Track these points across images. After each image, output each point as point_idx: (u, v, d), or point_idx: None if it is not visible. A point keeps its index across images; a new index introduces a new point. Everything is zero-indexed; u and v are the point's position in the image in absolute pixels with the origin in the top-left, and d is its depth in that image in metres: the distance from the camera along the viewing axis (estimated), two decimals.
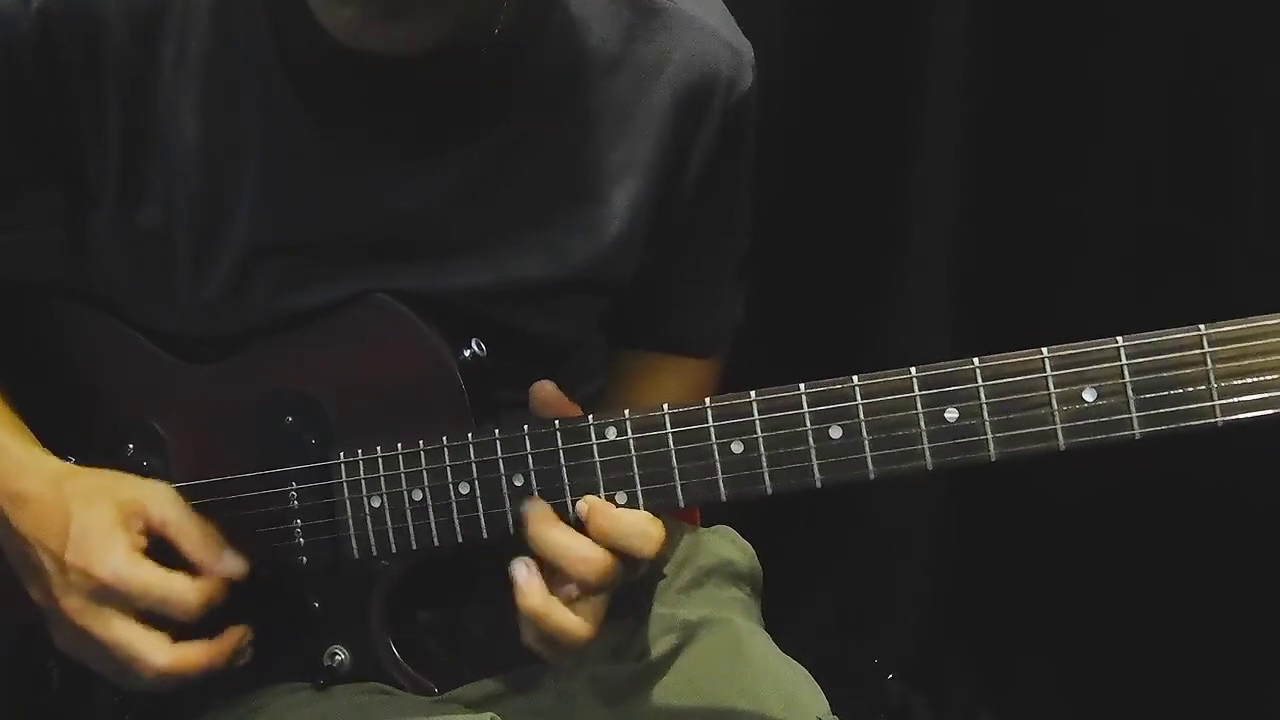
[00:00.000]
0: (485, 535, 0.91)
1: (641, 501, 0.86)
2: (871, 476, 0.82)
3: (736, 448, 0.84)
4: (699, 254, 1.12)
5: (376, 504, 0.93)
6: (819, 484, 0.83)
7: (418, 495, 0.92)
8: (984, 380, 0.79)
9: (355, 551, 0.95)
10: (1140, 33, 1.57)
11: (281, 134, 0.95)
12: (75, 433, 1.00)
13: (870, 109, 1.70)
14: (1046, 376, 0.78)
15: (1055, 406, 0.78)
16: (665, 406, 0.86)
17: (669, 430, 0.85)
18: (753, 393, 0.84)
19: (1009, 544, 1.73)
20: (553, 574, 0.87)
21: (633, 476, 0.86)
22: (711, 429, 0.84)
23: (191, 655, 0.92)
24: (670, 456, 0.85)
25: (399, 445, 0.93)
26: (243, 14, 0.93)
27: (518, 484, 0.89)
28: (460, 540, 0.92)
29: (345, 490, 0.94)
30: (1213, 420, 0.76)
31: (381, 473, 0.93)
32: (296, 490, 0.96)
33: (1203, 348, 0.76)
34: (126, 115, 0.95)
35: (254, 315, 0.99)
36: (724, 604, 1.10)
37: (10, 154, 0.98)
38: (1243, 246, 1.53)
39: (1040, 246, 1.66)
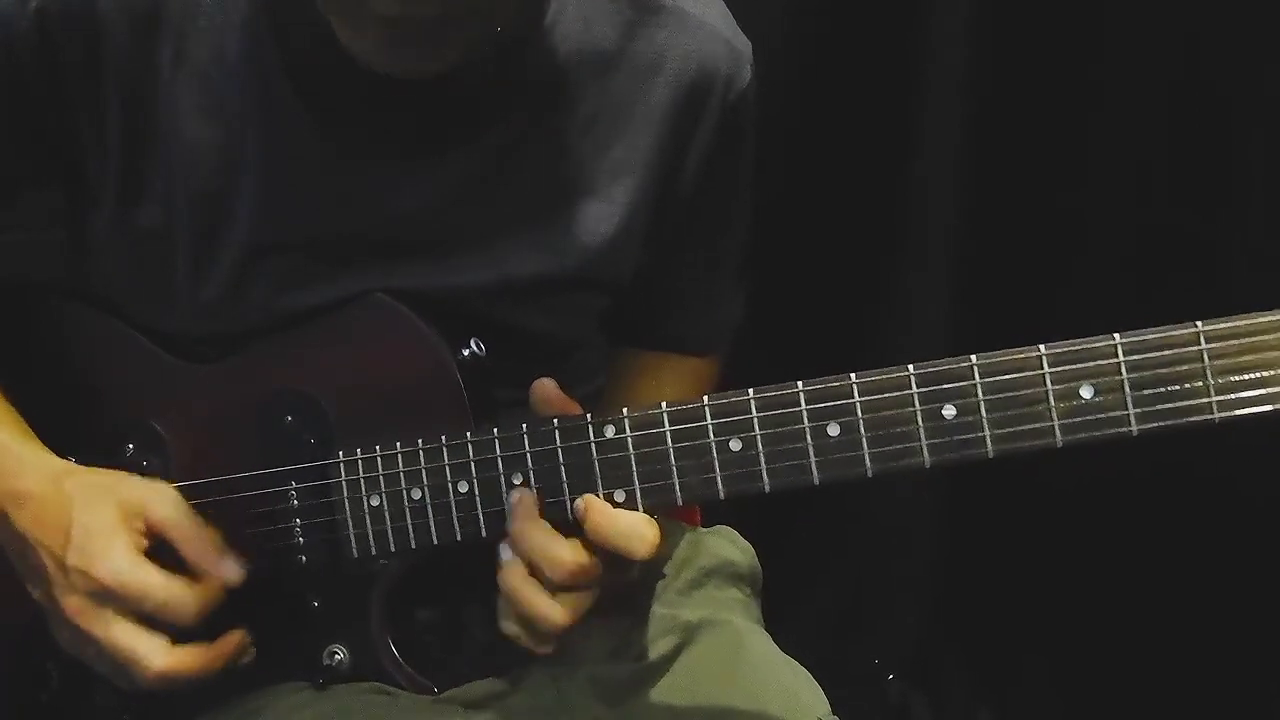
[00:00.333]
0: (484, 534, 0.91)
1: (640, 499, 0.87)
2: (869, 474, 0.82)
3: (735, 446, 0.84)
4: (698, 252, 1.12)
5: (375, 503, 0.94)
6: (817, 482, 0.83)
7: (417, 494, 0.92)
8: (982, 378, 0.79)
9: (354, 551, 0.95)
10: (1140, 33, 1.57)
11: (281, 134, 0.95)
12: (75, 432, 1.00)
13: (870, 109, 1.70)
14: (1044, 374, 0.78)
15: (1053, 404, 0.78)
16: (663, 405, 0.86)
17: (667, 428, 0.85)
18: (751, 391, 0.84)
19: (1008, 543, 1.74)
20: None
21: (631, 475, 0.86)
22: (709, 427, 0.85)
23: (189, 658, 0.92)
24: (668, 455, 0.85)
25: (398, 444, 0.93)
26: (243, 14, 0.93)
27: (517, 483, 0.89)
28: (459, 539, 0.92)
29: (344, 489, 0.94)
30: (1210, 417, 0.76)
31: (380, 472, 0.93)
32: (296, 489, 0.96)
33: (1200, 345, 0.76)
34: (126, 115, 0.95)
35: (254, 315, 0.99)
36: (724, 604, 1.10)
37: (10, 154, 0.98)
38: (1243, 246, 1.53)
39: (1040, 246, 1.66)
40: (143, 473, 0.98)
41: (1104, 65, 1.61)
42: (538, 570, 0.87)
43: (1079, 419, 0.78)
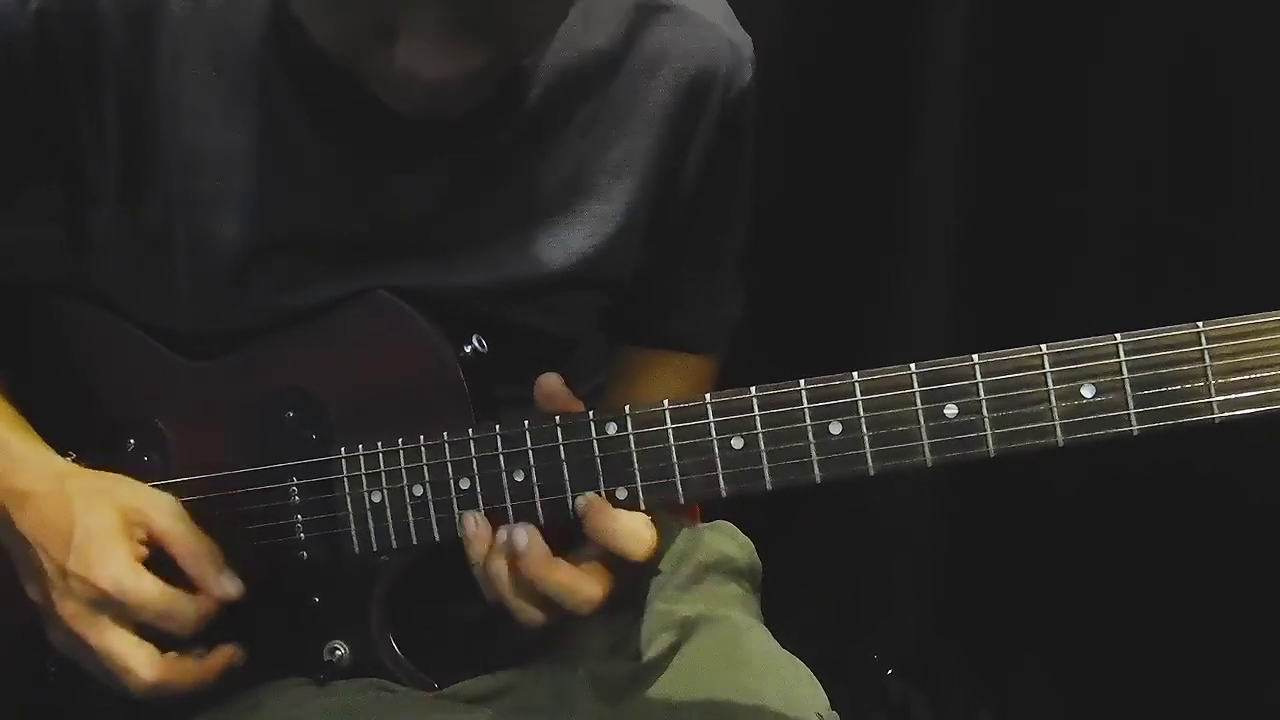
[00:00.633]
0: None
1: (642, 497, 0.87)
2: (871, 472, 0.82)
3: (737, 444, 0.84)
4: (698, 250, 1.12)
5: (377, 499, 0.94)
6: (819, 480, 0.83)
7: (418, 490, 0.92)
8: (983, 377, 0.80)
9: (356, 547, 0.95)
10: (1140, 33, 1.57)
11: (281, 134, 0.95)
12: (76, 429, 1.00)
13: (870, 109, 1.70)
14: (1045, 373, 0.79)
15: (1054, 403, 0.79)
16: (666, 402, 0.86)
17: (669, 426, 0.86)
18: (753, 389, 0.84)
19: (1008, 541, 1.74)
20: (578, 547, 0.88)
21: (633, 472, 0.86)
22: (712, 425, 0.85)
23: (180, 671, 0.93)
24: (670, 452, 0.86)
25: (400, 441, 0.93)
26: (243, 14, 0.93)
27: (518, 479, 0.89)
28: (460, 535, 0.92)
29: (346, 485, 0.95)
30: (1210, 417, 0.77)
31: (382, 468, 0.93)
32: (297, 485, 0.96)
33: (1200, 345, 0.76)
34: (126, 115, 0.95)
35: (254, 314, 0.99)
36: (723, 600, 1.10)
37: (10, 153, 0.98)
38: (1243, 246, 1.53)
39: (1040, 246, 1.66)
40: (144, 469, 0.98)
41: (1104, 65, 1.61)
42: (624, 555, 0.86)
43: (1080, 418, 0.78)
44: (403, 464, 0.93)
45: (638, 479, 0.87)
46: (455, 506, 0.91)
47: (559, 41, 0.97)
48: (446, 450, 0.91)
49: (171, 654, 0.93)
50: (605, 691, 1.00)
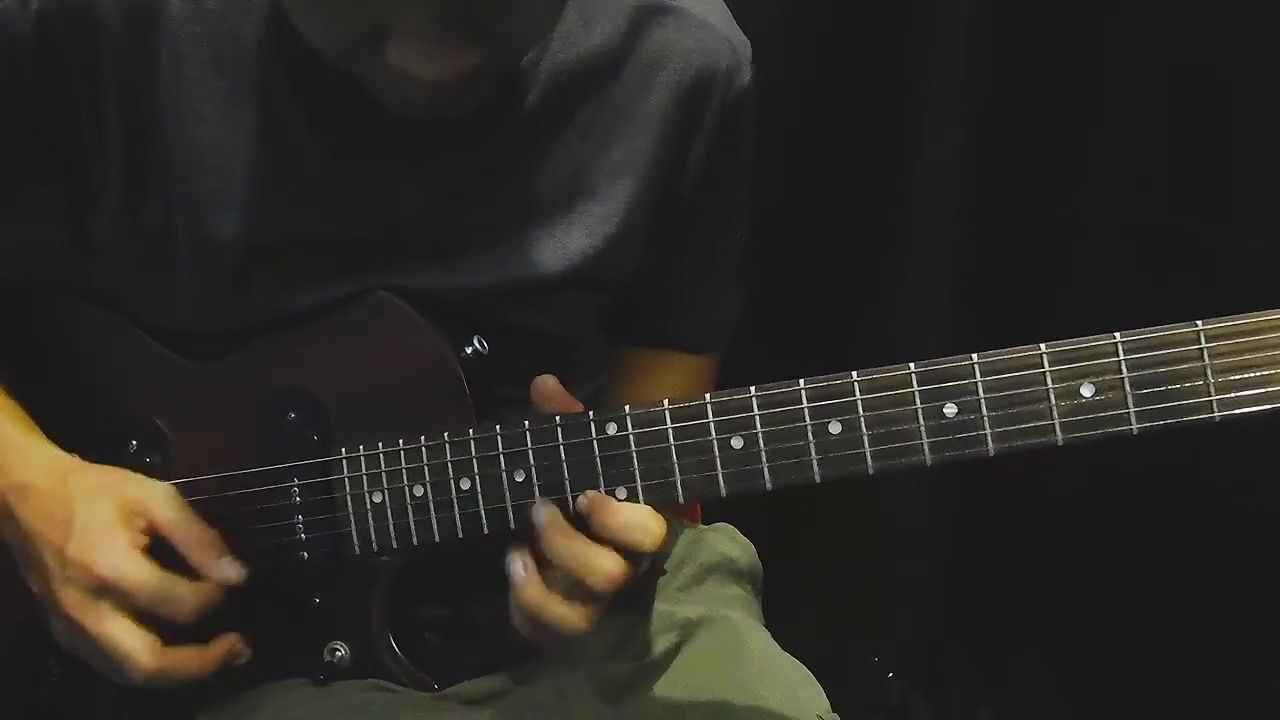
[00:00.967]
0: (486, 531, 0.91)
1: (641, 496, 0.87)
2: (870, 472, 0.82)
3: (736, 443, 0.84)
4: (697, 251, 1.12)
5: (378, 499, 0.94)
6: (818, 479, 0.83)
7: (419, 491, 0.92)
8: (982, 376, 0.80)
9: (356, 547, 0.95)
10: (1140, 33, 1.57)
11: (281, 134, 0.95)
12: (79, 429, 1.00)
13: (870, 109, 1.70)
14: (1045, 372, 0.79)
15: (1053, 402, 0.79)
16: (665, 402, 0.86)
17: (669, 426, 0.86)
18: (753, 388, 0.84)
19: (1008, 541, 1.74)
20: (552, 571, 0.88)
21: (633, 472, 0.87)
22: (711, 424, 0.85)
23: (180, 659, 0.93)
24: (670, 452, 0.86)
25: (400, 441, 0.93)
26: (243, 16, 0.94)
27: (519, 479, 0.89)
28: (461, 536, 0.92)
29: (347, 486, 0.95)
30: (1210, 415, 0.77)
31: (383, 468, 0.94)
32: (298, 486, 0.96)
33: (1200, 344, 0.76)
34: (126, 115, 0.95)
35: (256, 314, 0.99)
36: (724, 601, 1.10)
37: (11, 154, 0.98)
38: (1243, 246, 1.53)
39: (1040, 246, 1.66)
40: (145, 469, 0.98)
41: (1104, 65, 1.61)
42: (580, 584, 0.86)
43: (1079, 417, 0.78)
44: (403, 464, 0.93)
45: (637, 479, 0.87)
46: (456, 507, 0.91)
47: (559, 42, 0.97)
48: (447, 450, 0.91)
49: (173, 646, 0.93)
50: (605, 691, 1.00)
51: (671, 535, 0.91)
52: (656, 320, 1.16)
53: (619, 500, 0.87)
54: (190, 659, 0.93)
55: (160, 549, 0.93)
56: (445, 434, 0.91)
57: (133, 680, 0.92)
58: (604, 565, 0.86)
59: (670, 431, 0.86)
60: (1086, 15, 1.58)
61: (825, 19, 1.67)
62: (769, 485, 0.84)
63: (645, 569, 0.90)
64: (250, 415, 0.98)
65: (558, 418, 0.89)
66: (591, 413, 0.88)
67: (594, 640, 1.02)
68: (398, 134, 0.93)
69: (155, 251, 0.98)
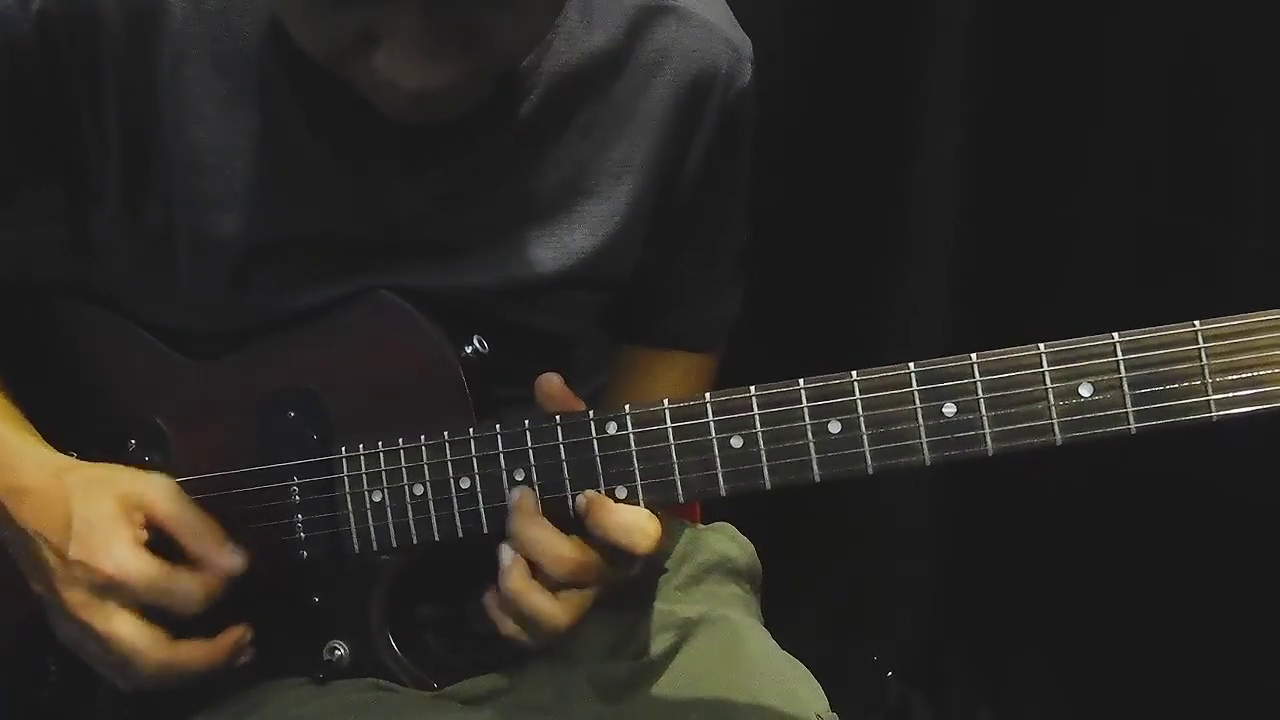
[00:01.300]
0: (485, 530, 0.91)
1: (641, 496, 0.87)
2: (870, 471, 0.82)
3: (736, 442, 0.84)
4: (697, 250, 1.12)
5: (378, 498, 0.94)
6: (818, 478, 0.83)
7: (419, 490, 0.92)
8: (981, 376, 0.80)
9: (356, 546, 0.95)
10: (1140, 33, 1.57)
11: (281, 135, 0.95)
12: (78, 428, 1.00)
13: (870, 109, 1.70)
14: (1044, 372, 0.79)
15: (1052, 402, 0.79)
16: (665, 401, 0.86)
17: (669, 425, 0.86)
18: (752, 388, 0.84)
19: (1008, 541, 1.74)
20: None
21: (633, 471, 0.87)
22: (711, 424, 0.85)
23: (187, 654, 0.93)
24: (670, 451, 0.86)
25: (400, 440, 0.93)
26: (243, 16, 0.94)
27: (519, 479, 0.90)
28: (460, 535, 0.92)
29: (346, 485, 0.95)
30: (1208, 415, 0.77)
31: (383, 467, 0.94)
32: (298, 485, 0.96)
33: (1198, 344, 0.77)
34: (127, 115, 0.95)
35: (256, 314, 0.99)
36: (723, 600, 1.10)
37: (11, 154, 0.98)
38: (1243, 246, 1.53)
39: (1040, 246, 1.66)
40: (145, 469, 0.98)
41: (1104, 65, 1.61)
42: (539, 568, 0.88)
43: (1078, 417, 0.79)
44: (403, 463, 0.93)
45: (637, 478, 0.87)
46: (455, 506, 0.92)
47: (560, 43, 0.97)
48: (447, 449, 0.92)
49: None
50: (605, 691, 1.00)
51: (669, 536, 0.91)
52: (656, 319, 1.16)
53: (619, 499, 0.87)
54: (199, 652, 0.93)
55: (162, 542, 0.93)
56: (445, 433, 0.92)
57: (141, 678, 0.92)
58: (564, 551, 0.87)
59: (670, 431, 0.86)
60: (1086, 15, 1.58)
61: (825, 19, 1.67)
62: (769, 485, 0.84)
63: (638, 569, 0.91)
64: (250, 414, 0.98)
65: (558, 417, 0.89)
66: (591, 412, 0.88)
67: (594, 640, 1.03)
68: (398, 134, 0.93)
69: (155, 251, 0.98)
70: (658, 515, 0.87)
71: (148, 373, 1.02)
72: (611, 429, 0.87)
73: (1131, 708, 1.68)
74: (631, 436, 0.87)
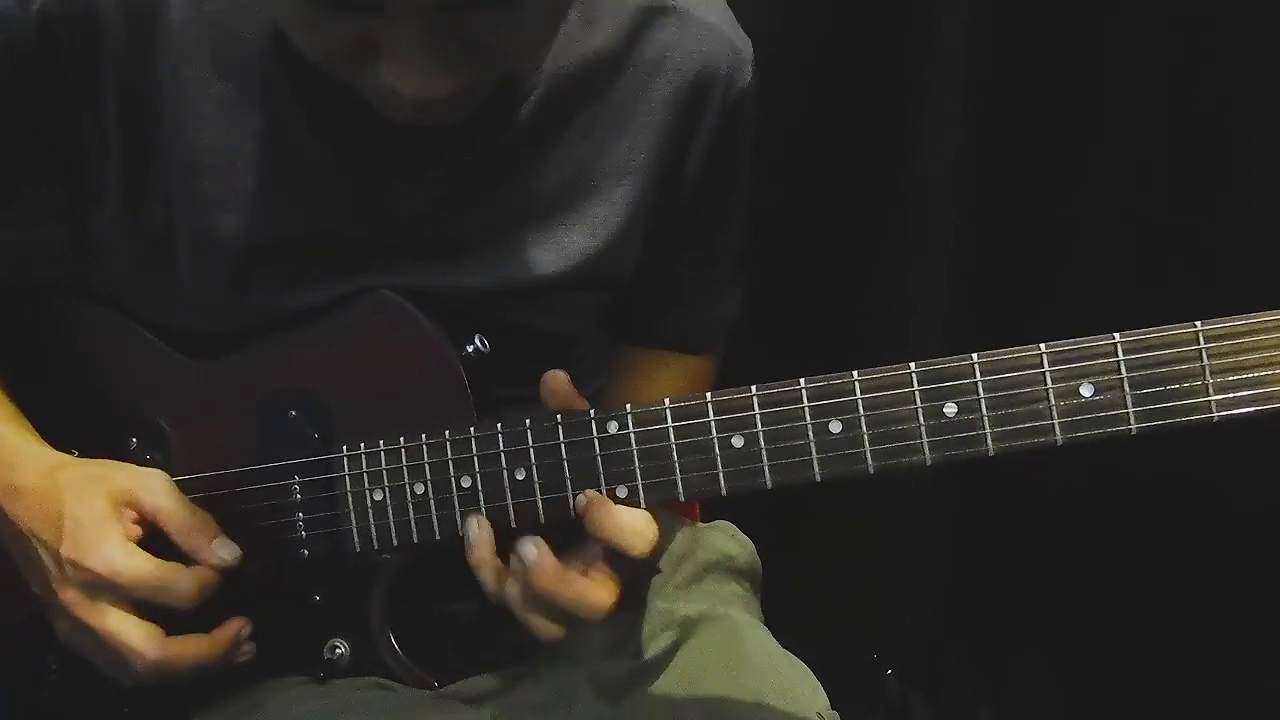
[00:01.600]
0: None
1: (642, 495, 0.87)
2: (870, 471, 0.82)
3: (737, 442, 0.84)
4: (696, 250, 1.12)
5: (379, 497, 0.94)
6: (818, 478, 0.83)
7: (420, 489, 0.93)
8: (982, 376, 0.80)
9: (357, 544, 0.95)
10: (1140, 33, 1.57)
11: (281, 135, 0.95)
12: (79, 428, 1.00)
13: (870, 109, 1.70)
14: (1044, 372, 0.79)
15: (1053, 402, 0.79)
16: (666, 401, 0.86)
17: (670, 425, 0.86)
18: (753, 388, 0.84)
19: (1009, 541, 1.73)
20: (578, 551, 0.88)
21: (634, 470, 0.87)
22: (712, 423, 0.85)
23: (184, 648, 0.93)
24: (671, 450, 0.86)
25: (401, 439, 0.93)
26: (243, 17, 0.94)
27: (519, 477, 0.90)
28: (461, 534, 0.92)
29: (347, 483, 0.95)
30: (1208, 415, 0.77)
31: (384, 466, 0.94)
32: (299, 483, 0.96)
33: (1199, 344, 0.77)
34: (127, 115, 0.95)
35: (256, 313, 0.99)
36: (723, 599, 1.10)
37: (11, 154, 0.98)
38: (1243, 246, 1.53)
39: (1040, 246, 1.66)
40: (146, 468, 0.98)
41: (1104, 65, 1.61)
42: (623, 552, 0.86)
43: (1079, 417, 0.79)
44: (404, 462, 0.93)
45: (638, 477, 0.87)
46: (456, 505, 0.92)
47: (560, 44, 0.97)
48: (448, 448, 0.92)
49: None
50: (605, 691, 1.00)
51: (666, 537, 0.91)
52: (656, 320, 1.16)
53: (620, 499, 0.87)
54: (196, 647, 0.93)
55: (157, 538, 0.93)
56: (446, 432, 0.92)
57: (139, 674, 0.92)
58: (642, 526, 0.86)
59: (671, 430, 0.86)
60: (1086, 15, 1.58)
61: (825, 19, 1.67)
62: (769, 484, 0.84)
63: (632, 571, 0.91)
64: (251, 413, 0.98)
65: (559, 416, 0.89)
66: (592, 411, 0.88)
67: (594, 639, 1.03)
68: (398, 135, 0.93)
69: (155, 251, 0.98)
70: (655, 516, 0.87)
71: (149, 373, 1.02)
72: (612, 428, 0.87)
73: (1131, 708, 1.68)
74: (632, 436, 0.87)
